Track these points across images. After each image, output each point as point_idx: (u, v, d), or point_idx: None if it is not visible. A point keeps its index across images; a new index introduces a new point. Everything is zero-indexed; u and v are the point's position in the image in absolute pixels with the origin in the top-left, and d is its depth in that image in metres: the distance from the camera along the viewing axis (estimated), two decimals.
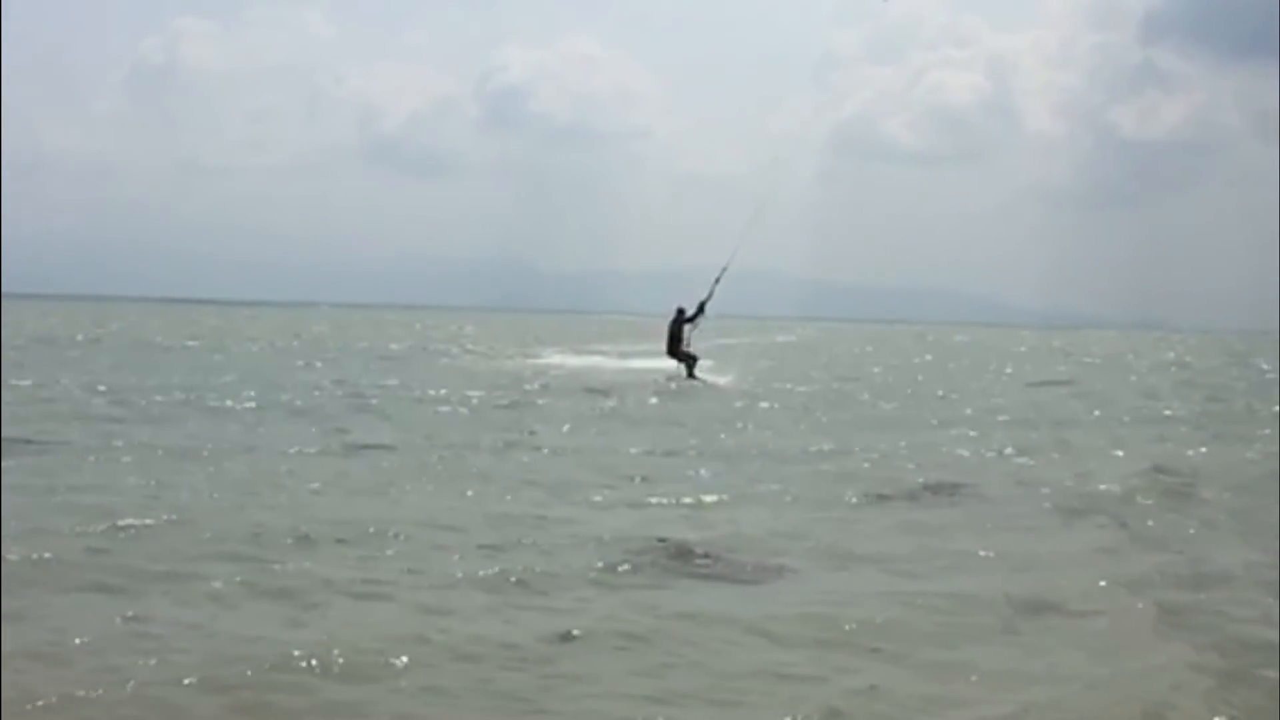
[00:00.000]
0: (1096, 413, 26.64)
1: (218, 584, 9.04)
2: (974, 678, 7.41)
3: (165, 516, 11.28)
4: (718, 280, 32.23)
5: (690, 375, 32.22)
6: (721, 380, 33.14)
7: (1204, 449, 19.75)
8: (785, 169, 36.42)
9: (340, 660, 7.31)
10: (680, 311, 32.48)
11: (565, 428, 20.81)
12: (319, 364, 39.60)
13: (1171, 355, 74.37)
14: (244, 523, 11.27)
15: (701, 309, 32.15)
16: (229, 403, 23.56)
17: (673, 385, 30.89)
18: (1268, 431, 22.46)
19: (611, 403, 26.06)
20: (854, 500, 13.83)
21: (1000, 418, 24.95)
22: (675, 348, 32.68)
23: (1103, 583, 9.76)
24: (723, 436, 20.12)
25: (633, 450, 17.82)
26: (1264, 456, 18.41)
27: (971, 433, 21.52)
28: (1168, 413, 27.40)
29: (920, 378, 41.14)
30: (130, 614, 8.20)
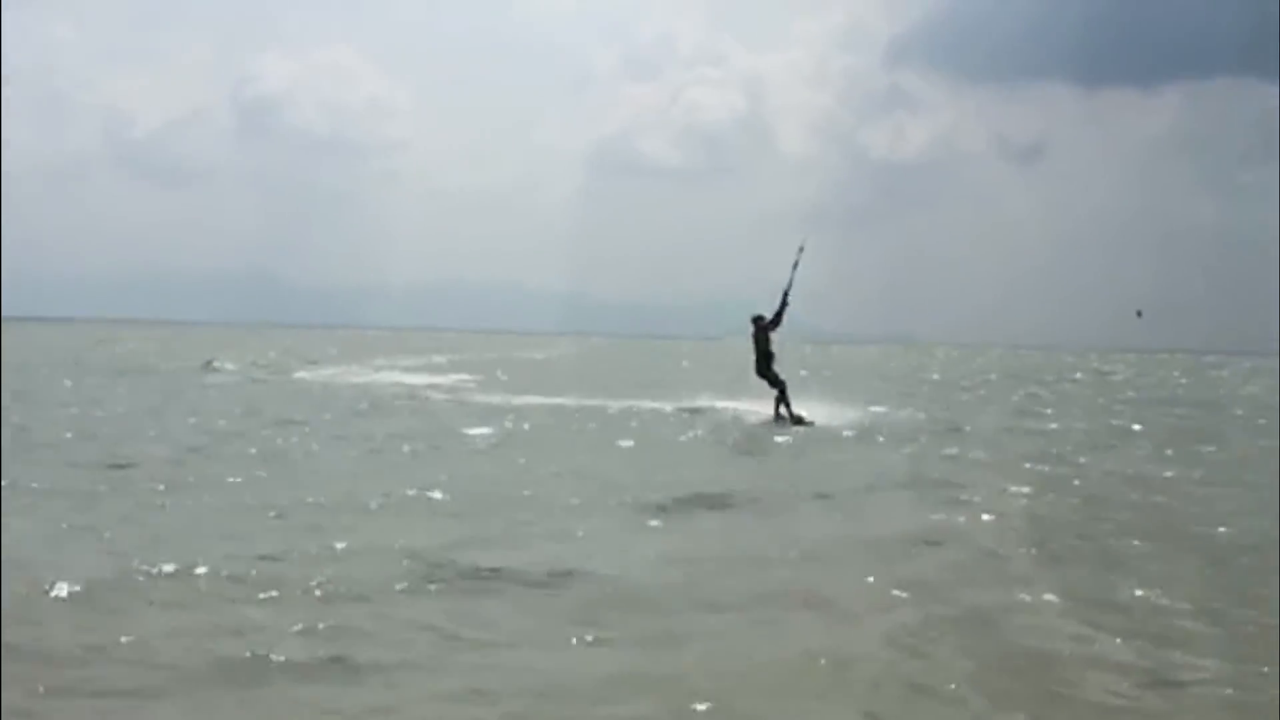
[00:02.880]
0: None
1: None
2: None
3: None
4: (789, 286, 26.19)
5: (782, 416, 26.12)
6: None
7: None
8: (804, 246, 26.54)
9: None
10: (759, 320, 26.75)
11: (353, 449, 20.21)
12: (67, 383, 37.27)
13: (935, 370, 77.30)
14: None
15: (780, 313, 26.42)
16: None
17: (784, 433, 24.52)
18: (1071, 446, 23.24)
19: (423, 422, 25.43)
20: (648, 516, 13.73)
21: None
22: (765, 365, 26.69)
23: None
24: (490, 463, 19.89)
25: (433, 476, 16.97)
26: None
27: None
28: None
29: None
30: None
